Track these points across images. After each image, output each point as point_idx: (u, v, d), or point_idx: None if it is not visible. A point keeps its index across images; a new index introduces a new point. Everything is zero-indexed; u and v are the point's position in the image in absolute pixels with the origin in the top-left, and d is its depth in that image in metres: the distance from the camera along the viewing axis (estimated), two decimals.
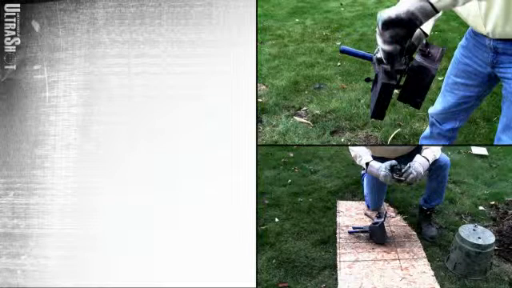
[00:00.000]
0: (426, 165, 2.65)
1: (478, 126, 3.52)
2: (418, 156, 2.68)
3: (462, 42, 2.27)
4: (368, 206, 3.32)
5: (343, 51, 1.90)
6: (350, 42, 5.55)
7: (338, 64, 4.87)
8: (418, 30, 1.76)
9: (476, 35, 2.12)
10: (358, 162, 2.87)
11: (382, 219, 2.82)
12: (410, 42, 1.64)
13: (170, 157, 1.92)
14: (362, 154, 2.82)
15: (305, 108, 3.96)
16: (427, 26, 1.87)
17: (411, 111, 3.67)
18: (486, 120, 3.58)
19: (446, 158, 2.79)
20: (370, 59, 1.83)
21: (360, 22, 6.30)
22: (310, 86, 4.36)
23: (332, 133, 3.60)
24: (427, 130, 2.68)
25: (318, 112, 3.86)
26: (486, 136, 3.42)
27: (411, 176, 2.60)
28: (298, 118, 3.78)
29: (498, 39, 1.97)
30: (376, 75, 1.80)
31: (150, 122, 1.92)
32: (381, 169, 2.68)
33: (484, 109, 3.65)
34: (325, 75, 4.60)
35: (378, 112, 1.79)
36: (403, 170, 2.64)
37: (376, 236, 2.84)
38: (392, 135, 3.46)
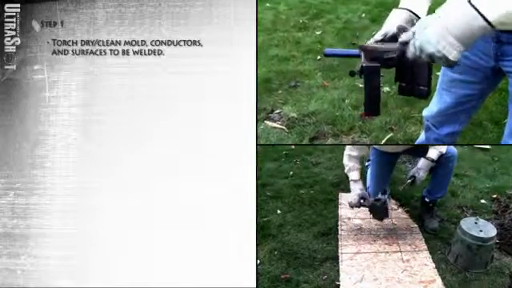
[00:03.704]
0: (430, 166, 2.68)
1: (485, 130, 3.28)
2: (422, 161, 2.70)
3: None
4: None
5: (328, 55, 1.73)
6: (333, 31, 5.10)
7: (318, 58, 4.39)
8: (408, 14, 1.68)
9: None
10: (345, 171, 2.94)
11: (386, 196, 2.80)
12: (401, 27, 1.54)
13: (170, 157, 1.92)
14: (351, 168, 2.88)
15: (278, 110, 3.59)
16: (421, 9, 1.73)
17: (405, 113, 3.42)
18: (493, 122, 3.31)
19: (453, 149, 2.77)
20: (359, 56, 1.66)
21: (344, 7, 5.71)
22: (284, 84, 3.95)
23: (312, 139, 3.30)
24: (422, 136, 2.53)
25: (294, 115, 3.50)
26: (494, 141, 3.17)
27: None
28: (269, 123, 3.46)
29: None
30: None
31: (150, 122, 1.92)
32: (354, 195, 2.82)
33: (491, 109, 3.41)
34: (302, 71, 4.19)
35: (371, 106, 1.62)
36: (408, 183, 2.78)
37: (376, 212, 2.84)
38: (383, 141, 3.27)
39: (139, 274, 1.91)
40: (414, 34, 1.39)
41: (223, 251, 1.93)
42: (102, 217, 1.93)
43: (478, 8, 1.24)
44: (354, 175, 2.85)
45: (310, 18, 5.40)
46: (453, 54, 1.32)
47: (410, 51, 1.41)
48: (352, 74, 1.63)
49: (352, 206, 2.82)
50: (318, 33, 5.03)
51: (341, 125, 3.35)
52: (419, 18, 1.69)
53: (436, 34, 1.31)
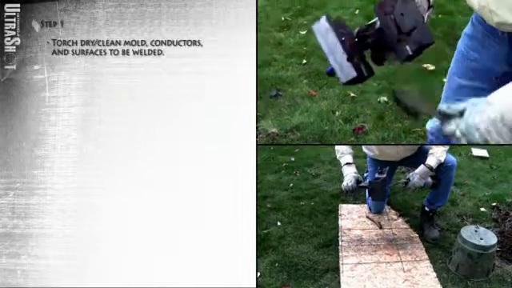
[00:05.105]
0: (429, 174, 2.67)
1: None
2: (420, 167, 2.69)
3: (467, 29, 1.82)
4: (370, 209, 3.31)
5: (332, 73, 1.47)
6: None
7: (304, 62, 3.90)
8: None
9: (485, 21, 1.67)
10: (337, 157, 2.91)
11: (384, 175, 2.72)
12: None
13: (170, 157, 1.92)
14: (344, 152, 2.84)
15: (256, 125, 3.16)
16: None
17: (405, 127, 3.16)
18: None
19: (452, 158, 2.78)
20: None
21: (334, 2, 4.92)
22: (263, 94, 3.42)
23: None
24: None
25: (274, 130, 3.12)
26: None
27: (410, 190, 2.69)
28: None
29: None
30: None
31: (150, 122, 1.92)
32: (350, 177, 2.74)
33: None
34: (284, 78, 3.70)
35: (343, 68, 1.39)
36: (400, 182, 2.76)
37: (375, 192, 2.77)
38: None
39: (139, 274, 1.91)
40: (462, 112, 1.24)
41: (223, 251, 1.93)
42: (101, 217, 1.92)
43: None
44: (347, 158, 2.84)
45: (293, 15, 4.72)
46: (496, 141, 1.19)
47: (449, 129, 1.26)
48: (329, 73, 1.47)
49: (348, 189, 2.74)
50: (302, 32, 4.38)
51: (330, 141, 3.06)
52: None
53: (486, 122, 1.18)
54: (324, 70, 2.89)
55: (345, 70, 1.39)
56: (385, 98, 3.42)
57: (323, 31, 1.40)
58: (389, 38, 1.38)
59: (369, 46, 1.43)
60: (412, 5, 1.38)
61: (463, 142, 1.24)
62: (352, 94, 3.47)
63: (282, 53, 4.02)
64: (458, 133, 1.24)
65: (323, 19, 1.40)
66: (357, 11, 4.78)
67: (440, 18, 4.28)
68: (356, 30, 1.45)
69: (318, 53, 3.77)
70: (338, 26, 1.41)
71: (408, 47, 1.36)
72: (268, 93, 3.44)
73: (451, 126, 1.26)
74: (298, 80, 3.66)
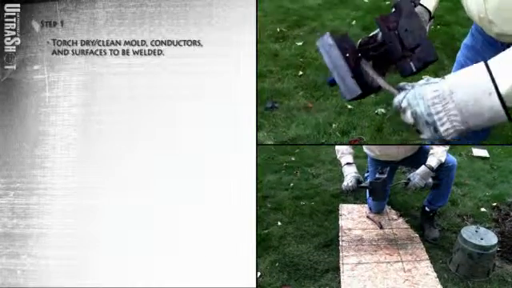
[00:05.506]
0: (429, 174, 2.67)
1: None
2: (421, 167, 2.69)
3: (467, 40, 1.86)
4: (370, 209, 3.31)
5: (333, 83, 1.43)
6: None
7: (300, 73, 3.79)
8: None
9: (485, 32, 1.69)
10: (338, 157, 2.91)
11: (385, 175, 2.72)
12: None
13: (170, 157, 1.92)
14: (344, 152, 2.84)
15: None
16: (430, 2, 1.57)
17: (403, 139, 3.12)
18: None
19: (452, 159, 2.78)
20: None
21: (330, 13, 4.86)
22: (258, 106, 3.04)
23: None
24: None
25: (270, 143, 3.11)
26: None
27: (410, 190, 2.70)
28: None
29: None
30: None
31: (150, 122, 1.92)
32: (350, 177, 2.74)
33: (508, 133, 3.21)
34: (280, 89, 3.60)
35: (346, 84, 1.37)
36: (401, 182, 2.76)
37: (376, 192, 2.79)
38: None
39: (139, 274, 1.91)
40: (413, 86, 1.22)
41: (223, 251, 1.92)
42: (101, 217, 1.92)
43: (492, 73, 1.07)
44: (347, 158, 2.84)
45: (289, 26, 4.63)
46: (445, 127, 1.13)
47: (398, 99, 1.23)
48: (332, 83, 1.42)
49: (349, 189, 2.74)
50: (299, 44, 4.30)
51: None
52: (428, 10, 1.58)
53: (435, 92, 1.14)
54: (320, 81, 3.15)
55: (350, 87, 1.37)
56: (382, 110, 3.37)
57: (327, 47, 1.38)
58: (392, 54, 1.38)
59: (371, 58, 1.42)
60: (416, 20, 1.37)
61: (407, 115, 1.20)
62: (349, 106, 3.43)
63: (277, 64, 3.93)
64: (404, 102, 1.20)
65: (327, 35, 1.38)
66: (353, 22, 4.73)
67: (439, 29, 4.24)
68: (358, 42, 1.44)
69: (315, 64, 3.77)
70: (341, 41, 1.39)
71: (412, 64, 1.35)
72: (264, 105, 3.35)
73: (400, 96, 1.22)
74: (294, 92, 3.59)
